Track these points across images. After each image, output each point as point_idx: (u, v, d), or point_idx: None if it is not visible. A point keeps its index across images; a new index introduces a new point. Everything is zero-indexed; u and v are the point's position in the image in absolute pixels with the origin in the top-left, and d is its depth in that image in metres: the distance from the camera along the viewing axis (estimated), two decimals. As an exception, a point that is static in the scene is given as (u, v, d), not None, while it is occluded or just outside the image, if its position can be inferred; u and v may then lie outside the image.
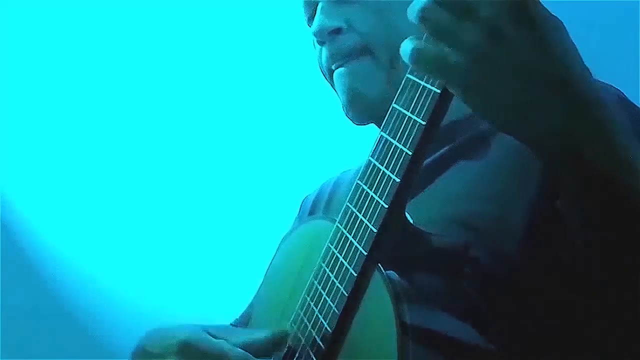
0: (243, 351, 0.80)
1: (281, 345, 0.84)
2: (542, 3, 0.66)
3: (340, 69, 0.97)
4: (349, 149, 1.18)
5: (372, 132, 1.07)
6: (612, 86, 0.90)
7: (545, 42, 0.64)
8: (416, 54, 0.66)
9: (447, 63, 0.65)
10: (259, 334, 0.84)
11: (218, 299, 1.92)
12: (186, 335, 0.82)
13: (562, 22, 0.66)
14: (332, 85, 1.01)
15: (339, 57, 0.97)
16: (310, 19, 1.00)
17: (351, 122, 1.02)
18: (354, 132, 1.05)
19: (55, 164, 2.12)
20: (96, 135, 2.11)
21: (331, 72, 0.99)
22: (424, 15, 0.65)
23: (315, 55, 1.03)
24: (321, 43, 0.98)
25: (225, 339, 0.82)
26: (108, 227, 2.11)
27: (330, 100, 1.07)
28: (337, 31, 0.96)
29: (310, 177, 1.33)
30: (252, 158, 2.03)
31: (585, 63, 0.68)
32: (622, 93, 0.91)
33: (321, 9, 0.97)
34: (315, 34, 0.97)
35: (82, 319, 2.11)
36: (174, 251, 2.07)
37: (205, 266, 2.04)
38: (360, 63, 0.96)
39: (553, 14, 0.66)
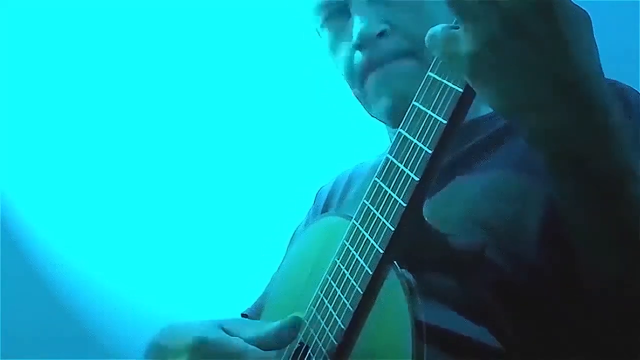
0: (261, 351, 0.78)
1: (295, 333, 0.83)
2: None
3: (380, 72, 0.93)
4: (352, 146, 1.17)
5: (377, 127, 1.06)
6: (634, 89, 0.90)
7: (562, 41, 0.62)
8: (429, 38, 0.66)
9: (456, 49, 0.64)
10: (272, 325, 0.82)
11: (221, 299, 1.91)
12: (202, 333, 0.81)
13: (588, 17, 0.65)
14: (358, 90, 0.98)
15: (379, 61, 0.93)
16: (327, 20, 0.96)
17: (385, 124, 0.99)
18: (358, 128, 1.04)
19: (55, 164, 2.11)
20: (97, 136, 2.09)
21: (365, 76, 0.95)
22: None
23: (328, 59, 0.99)
24: (361, 47, 0.93)
25: (238, 334, 0.81)
26: (108, 228, 2.10)
27: (334, 96, 1.05)
28: (381, 34, 0.92)
29: (312, 175, 1.33)
30: (256, 154, 2.02)
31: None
32: None
33: (357, 11, 0.92)
34: (360, 39, 0.91)
35: (82, 320, 2.11)
36: (174, 250, 2.06)
37: (207, 266, 2.04)
38: (403, 65, 0.92)
39: (581, 7, 0.65)
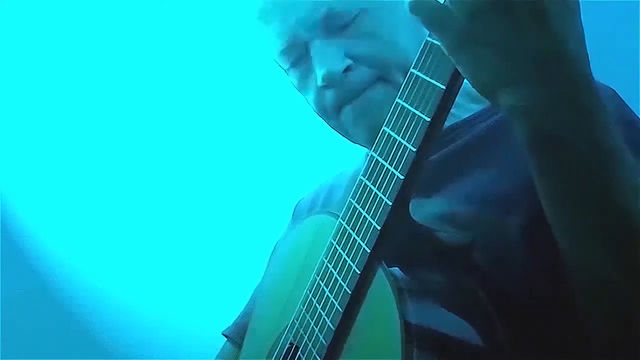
0: None
1: None
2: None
3: (356, 105, 0.92)
4: (339, 153, 1.17)
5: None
6: (608, 87, 0.89)
7: (545, 17, 0.62)
8: (416, 6, 0.65)
9: (444, 16, 0.64)
10: None
11: (213, 299, 1.93)
12: None
13: (577, 3, 0.64)
14: (334, 122, 0.97)
15: (352, 95, 0.92)
16: (292, 65, 0.95)
17: (367, 148, 0.97)
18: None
19: (55, 166, 2.11)
20: (97, 138, 2.10)
21: (338, 110, 0.94)
22: None
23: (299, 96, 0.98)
24: (328, 87, 0.92)
25: None
26: (108, 229, 2.10)
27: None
28: (347, 70, 0.91)
29: (300, 182, 1.32)
30: (246, 163, 2.01)
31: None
32: (618, 94, 0.90)
33: (317, 54, 0.91)
34: (326, 81, 0.90)
35: (81, 320, 2.11)
36: (171, 251, 2.07)
37: (200, 268, 2.04)
38: (376, 91, 0.91)
39: None
